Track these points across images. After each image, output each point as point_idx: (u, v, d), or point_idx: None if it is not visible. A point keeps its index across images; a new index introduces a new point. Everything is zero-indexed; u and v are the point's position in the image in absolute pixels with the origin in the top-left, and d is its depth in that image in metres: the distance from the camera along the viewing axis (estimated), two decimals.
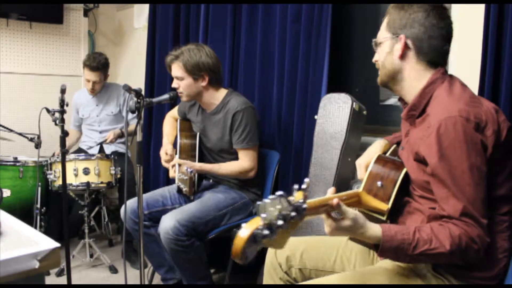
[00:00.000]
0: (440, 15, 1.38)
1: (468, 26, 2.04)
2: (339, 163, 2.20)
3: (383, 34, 1.46)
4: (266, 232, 0.92)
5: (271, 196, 0.95)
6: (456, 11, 2.10)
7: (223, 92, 2.44)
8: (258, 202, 0.95)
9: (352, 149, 2.24)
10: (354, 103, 2.19)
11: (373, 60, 1.52)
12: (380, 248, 1.23)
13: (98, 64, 3.24)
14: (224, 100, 2.41)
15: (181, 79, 2.33)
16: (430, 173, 1.31)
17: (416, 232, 1.23)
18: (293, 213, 0.98)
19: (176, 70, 2.33)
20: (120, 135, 3.34)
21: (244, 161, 2.38)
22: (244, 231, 0.92)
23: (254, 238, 0.92)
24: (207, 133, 2.48)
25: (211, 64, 2.34)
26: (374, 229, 1.24)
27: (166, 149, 2.52)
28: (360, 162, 1.64)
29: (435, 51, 1.40)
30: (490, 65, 1.81)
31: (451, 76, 1.41)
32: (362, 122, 2.28)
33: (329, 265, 1.58)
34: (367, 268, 1.49)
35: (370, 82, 2.45)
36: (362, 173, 1.62)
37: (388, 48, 1.44)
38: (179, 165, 2.32)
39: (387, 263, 1.45)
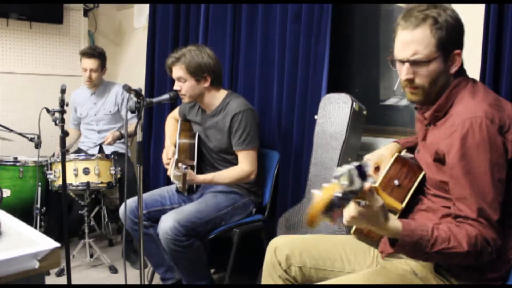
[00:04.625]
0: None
1: (468, 26, 2.04)
2: (339, 163, 2.20)
3: (433, 53, 1.32)
4: (342, 200, 0.90)
5: (351, 166, 0.92)
6: (456, 11, 2.10)
7: (223, 93, 2.45)
8: (344, 167, 0.91)
9: (352, 149, 2.24)
10: (354, 103, 2.19)
11: (405, 78, 1.36)
12: (399, 242, 1.21)
13: (94, 51, 3.26)
14: (224, 102, 2.41)
15: (183, 81, 2.33)
16: (449, 171, 1.30)
17: (434, 230, 1.23)
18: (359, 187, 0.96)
19: (178, 71, 2.33)
20: (119, 137, 3.34)
21: (244, 164, 2.37)
22: (323, 198, 0.87)
23: (331, 205, 0.88)
24: (207, 134, 2.48)
25: (213, 65, 2.35)
26: (394, 222, 1.22)
27: (167, 152, 2.53)
28: (369, 157, 1.64)
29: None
30: (490, 65, 1.81)
31: (473, 79, 1.41)
32: (362, 122, 2.28)
33: (329, 264, 1.58)
34: (368, 270, 1.49)
35: (370, 82, 2.45)
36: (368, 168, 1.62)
37: (442, 66, 1.34)
38: (177, 162, 2.31)
39: (389, 264, 1.45)
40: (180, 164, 2.14)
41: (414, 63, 1.34)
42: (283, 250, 1.62)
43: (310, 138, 2.38)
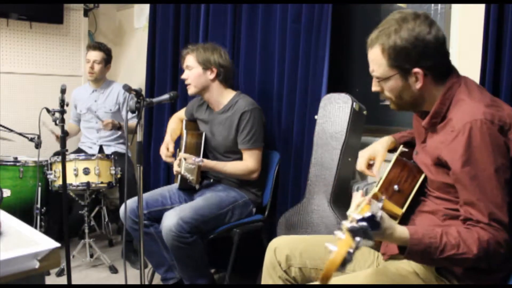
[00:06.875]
0: (431, 24, 1.33)
1: (468, 26, 2.05)
2: (339, 163, 2.20)
3: (387, 71, 1.37)
4: (353, 253, 0.93)
5: (364, 224, 0.95)
6: (456, 11, 2.10)
7: (231, 93, 2.49)
8: (356, 222, 0.94)
9: (352, 149, 2.24)
10: (354, 103, 2.19)
11: (374, 90, 1.45)
12: (407, 251, 1.21)
13: (100, 45, 3.39)
14: (233, 101, 2.45)
15: (190, 69, 2.43)
16: (454, 178, 1.29)
17: (443, 236, 1.22)
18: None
19: (188, 60, 2.45)
20: (118, 127, 3.31)
21: (249, 162, 2.40)
22: (337, 255, 0.91)
23: (343, 262, 0.92)
24: (214, 132, 2.49)
25: (222, 62, 2.44)
26: (401, 231, 1.21)
27: (167, 145, 2.56)
28: (363, 154, 1.65)
29: (446, 62, 1.39)
30: (490, 65, 1.81)
31: (464, 77, 1.41)
32: (362, 122, 2.28)
33: None
34: (370, 270, 1.49)
35: (370, 82, 2.44)
36: (361, 164, 1.63)
37: (401, 83, 1.37)
38: (185, 159, 2.31)
39: (391, 265, 1.45)
40: (194, 158, 2.16)
41: (377, 77, 1.42)
42: (283, 251, 1.61)
43: (310, 138, 2.38)
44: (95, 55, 3.32)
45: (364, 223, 0.94)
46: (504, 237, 1.23)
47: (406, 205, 1.40)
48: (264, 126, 2.46)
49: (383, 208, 1.37)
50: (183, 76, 2.47)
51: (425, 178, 1.44)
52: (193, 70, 2.42)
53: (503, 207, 1.23)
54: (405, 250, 1.22)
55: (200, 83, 2.43)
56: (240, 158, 2.43)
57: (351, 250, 0.91)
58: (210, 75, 2.42)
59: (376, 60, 1.38)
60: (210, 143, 2.53)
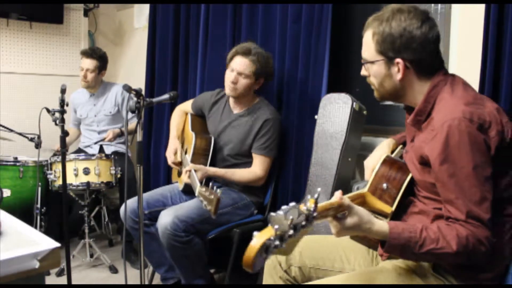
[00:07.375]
0: (424, 20, 1.34)
1: (468, 26, 2.05)
2: (339, 163, 2.20)
3: (374, 56, 1.40)
4: (277, 242, 0.95)
5: (284, 207, 0.97)
6: (456, 11, 2.10)
7: (256, 98, 2.52)
8: (272, 214, 0.97)
9: (352, 149, 2.24)
10: (354, 103, 2.19)
11: (362, 74, 1.49)
12: (386, 245, 1.23)
13: (93, 52, 3.31)
14: (255, 106, 2.48)
15: (244, 77, 2.37)
16: (434, 176, 1.30)
17: (423, 231, 1.23)
18: (304, 222, 1.00)
19: (244, 66, 2.37)
20: (119, 134, 3.33)
21: (258, 168, 2.41)
22: (256, 241, 0.93)
23: (266, 248, 0.94)
24: (228, 133, 2.49)
25: (270, 75, 2.47)
26: (381, 225, 1.24)
27: (175, 149, 2.54)
28: (368, 164, 1.63)
29: (432, 60, 1.39)
30: (490, 65, 1.81)
31: (453, 76, 1.41)
32: (362, 122, 2.28)
33: (329, 264, 1.58)
34: (368, 269, 1.49)
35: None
36: (369, 175, 1.61)
37: (384, 71, 1.40)
38: (195, 170, 2.25)
39: (388, 264, 1.45)
40: (215, 188, 1.98)
41: (365, 61, 1.45)
42: None
43: (310, 138, 2.38)
44: (88, 63, 3.28)
45: (281, 212, 0.97)
46: (485, 234, 1.23)
47: (396, 203, 1.40)
48: (280, 136, 2.48)
49: (371, 208, 1.38)
50: (233, 80, 2.37)
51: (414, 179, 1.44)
52: (246, 80, 2.37)
53: (483, 204, 1.24)
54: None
55: (246, 91, 2.42)
56: (250, 163, 2.43)
57: (272, 238, 0.94)
58: (256, 86, 2.45)
59: (367, 43, 1.42)
60: (221, 145, 2.51)
